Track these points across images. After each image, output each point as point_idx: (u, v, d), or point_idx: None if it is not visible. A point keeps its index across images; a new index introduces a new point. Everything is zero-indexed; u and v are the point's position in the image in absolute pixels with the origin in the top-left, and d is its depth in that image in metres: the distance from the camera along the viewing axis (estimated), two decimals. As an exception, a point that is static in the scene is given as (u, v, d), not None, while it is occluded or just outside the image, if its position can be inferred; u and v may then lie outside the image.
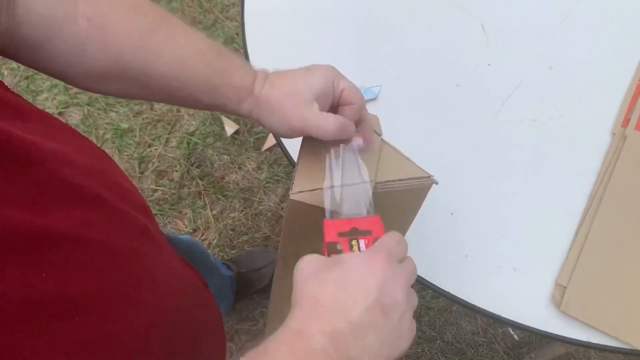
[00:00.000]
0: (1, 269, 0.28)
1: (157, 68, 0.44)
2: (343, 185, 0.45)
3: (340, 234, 0.42)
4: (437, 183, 0.48)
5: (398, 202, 0.50)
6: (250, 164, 1.49)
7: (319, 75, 0.48)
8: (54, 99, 1.58)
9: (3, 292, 0.27)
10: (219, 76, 0.46)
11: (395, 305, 0.37)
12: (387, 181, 0.47)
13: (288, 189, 1.52)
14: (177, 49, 0.45)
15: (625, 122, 0.74)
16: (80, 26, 0.41)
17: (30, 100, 1.60)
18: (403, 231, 0.56)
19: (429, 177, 0.48)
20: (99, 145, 1.51)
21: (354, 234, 0.42)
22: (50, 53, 0.42)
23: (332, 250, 0.41)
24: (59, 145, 0.37)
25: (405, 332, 0.38)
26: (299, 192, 0.46)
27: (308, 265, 0.38)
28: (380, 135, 0.52)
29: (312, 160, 0.49)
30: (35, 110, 0.39)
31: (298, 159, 0.50)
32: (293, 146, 0.72)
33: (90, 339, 0.33)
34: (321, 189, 0.45)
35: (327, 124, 0.45)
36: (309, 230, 0.49)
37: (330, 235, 0.42)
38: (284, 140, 0.73)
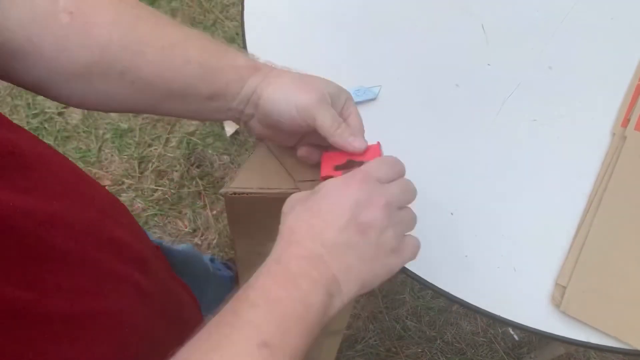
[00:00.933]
0: None
1: (146, 58, 0.40)
2: None
3: (337, 167, 0.41)
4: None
5: None
6: (250, 164, 1.49)
7: (334, 83, 0.46)
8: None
9: None
10: (216, 58, 0.43)
11: (373, 222, 0.36)
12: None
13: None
14: (167, 35, 0.42)
15: (625, 122, 0.74)
16: (62, 21, 0.39)
17: (29, 100, 1.60)
18: None
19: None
20: (98, 146, 1.51)
21: (350, 166, 0.40)
22: (30, 58, 0.39)
23: None
24: (57, 203, 0.35)
25: (388, 249, 0.37)
26: (235, 188, 0.45)
27: (289, 203, 0.38)
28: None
29: (262, 162, 0.48)
30: (41, 153, 0.37)
31: (248, 158, 0.49)
32: (293, 146, 0.72)
33: None
34: (255, 192, 0.44)
35: (333, 122, 0.42)
36: (259, 220, 0.48)
37: (326, 169, 0.41)
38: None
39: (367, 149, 0.42)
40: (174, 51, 0.41)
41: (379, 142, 0.43)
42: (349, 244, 0.36)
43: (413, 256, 0.39)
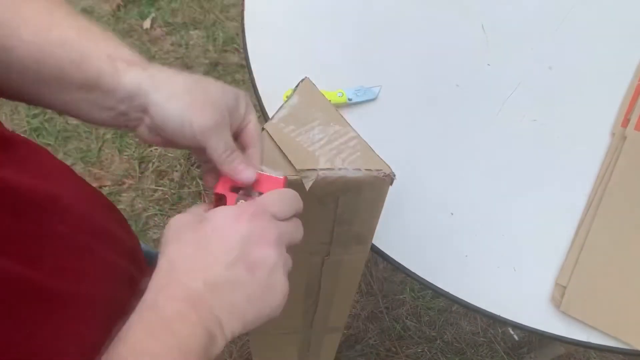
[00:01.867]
0: None
1: (22, 37, 0.36)
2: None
3: (234, 189, 0.38)
4: (394, 177, 0.45)
5: (356, 192, 0.48)
6: (250, 164, 1.49)
7: (231, 90, 0.40)
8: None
9: None
10: (93, 43, 0.37)
11: (263, 260, 0.34)
12: (356, 169, 0.45)
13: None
14: (46, 18, 0.37)
15: (625, 122, 0.74)
16: None
17: (30, 100, 1.60)
18: (369, 229, 0.55)
19: (388, 167, 0.45)
20: (98, 146, 1.51)
21: (248, 191, 0.38)
22: None
23: (218, 203, 0.38)
24: (54, 189, 0.35)
25: (277, 288, 0.35)
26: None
27: (172, 227, 0.35)
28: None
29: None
30: (33, 148, 0.37)
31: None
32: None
33: None
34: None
35: (226, 148, 0.38)
36: None
37: (222, 187, 0.38)
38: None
39: (268, 179, 0.39)
40: (52, 32, 0.37)
41: (285, 177, 0.40)
42: (235, 282, 0.33)
43: (284, 298, 0.36)
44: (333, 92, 0.74)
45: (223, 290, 0.33)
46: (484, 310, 0.63)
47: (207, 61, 1.64)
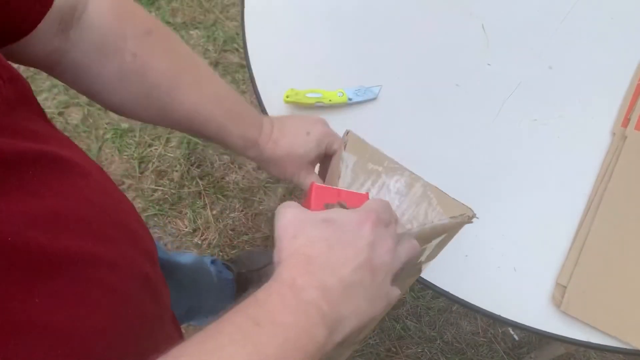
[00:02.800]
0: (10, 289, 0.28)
1: (182, 105, 0.50)
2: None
3: (327, 206, 0.41)
4: (477, 218, 0.50)
5: (439, 233, 0.52)
6: (250, 164, 1.49)
7: (314, 144, 0.55)
8: (54, 98, 1.58)
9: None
10: (232, 123, 0.53)
11: (382, 265, 0.37)
12: (452, 217, 0.50)
13: (288, 188, 1.52)
14: (202, 92, 0.51)
15: (625, 122, 0.74)
16: (126, 60, 0.47)
17: (30, 100, 1.60)
18: (431, 258, 0.57)
19: (470, 208, 0.50)
20: (98, 146, 1.51)
21: (341, 207, 0.41)
22: (93, 78, 0.47)
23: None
24: (79, 181, 0.37)
25: (385, 292, 0.38)
26: None
27: (293, 221, 0.38)
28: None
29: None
30: (66, 142, 0.40)
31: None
32: (293, 146, 0.72)
33: None
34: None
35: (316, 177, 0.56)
36: None
37: (317, 204, 0.41)
38: (284, 140, 0.73)
39: (354, 195, 0.43)
40: (204, 107, 0.52)
41: (367, 193, 0.45)
42: (361, 283, 0.36)
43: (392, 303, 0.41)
44: (333, 92, 0.74)
45: (351, 290, 0.35)
46: (484, 310, 0.63)
47: (207, 61, 1.65)
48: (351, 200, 0.42)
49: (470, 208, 0.50)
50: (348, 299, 0.35)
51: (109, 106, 0.51)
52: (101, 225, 0.38)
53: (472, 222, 0.50)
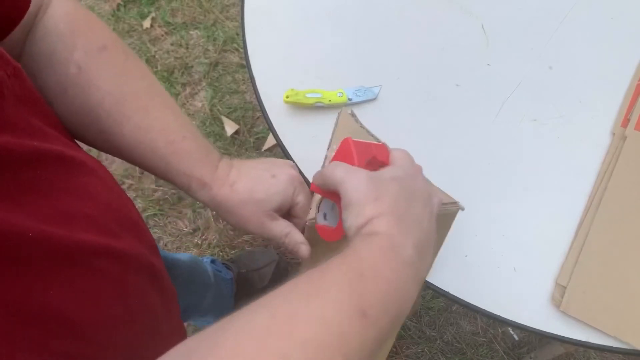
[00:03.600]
0: (5, 277, 0.29)
1: (122, 131, 0.47)
2: None
3: (368, 160, 0.43)
4: (463, 209, 0.48)
5: None
6: (250, 164, 1.49)
7: (280, 188, 0.50)
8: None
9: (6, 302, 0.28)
10: (177, 159, 0.48)
11: (434, 211, 0.42)
12: None
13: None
14: (145, 120, 0.47)
15: (625, 122, 0.74)
16: (70, 71, 0.45)
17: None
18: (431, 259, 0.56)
19: (456, 202, 0.48)
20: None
21: (374, 163, 0.43)
22: (42, 84, 0.45)
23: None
24: (85, 179, 0.38)
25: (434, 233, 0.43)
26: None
27: (370, 185, 0.39)
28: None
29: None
30: (70, 140, 0.42)
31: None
32: (293, 146, 0.72)
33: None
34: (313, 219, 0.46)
35: (281, 235, 0.49)
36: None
37: (359, 160, 0.43)
38: (285, 141, 0.73)
39: (382, 148, 0.46)
40: (147, 136, 0.47)
41: (384, 143, 0.46)
42: (433, 231, 0.40)
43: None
44: (333, 92, 0.74)
45: (429, 239, 0.40)
46: (484, 310, 0.63)
47: (207, 61, 1.64)
48: (379, 152, 0.44)
49: (457, 201, 0.48)
50: (428, 249, 0.39)
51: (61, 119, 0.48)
52: (107, 221, 0.39)
53: (463, 210, 0.49)
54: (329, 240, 0.45)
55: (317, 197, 0.48)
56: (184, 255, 1.00)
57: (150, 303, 0.44)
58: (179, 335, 0.51)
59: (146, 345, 0.41)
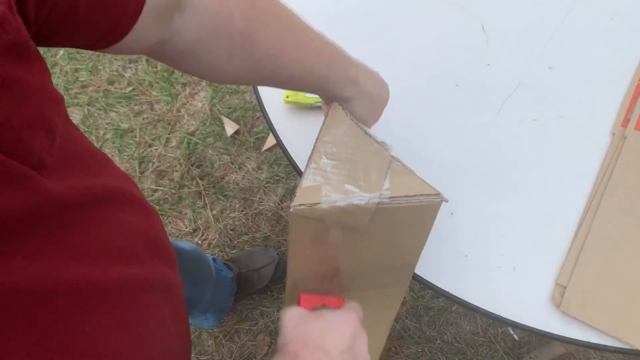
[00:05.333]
0: (49, 321, 0.30)
1: (285, 70, 0.52)
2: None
3: (313, 308, 0.50)
4: (446, 201, 0.48)
5: (406, 220, 0.50)
6: (250, 164, 1.50)
7: (387, 92, 0.62)
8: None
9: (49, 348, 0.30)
10: (333, 73, 0.54)
11: (359, 354, 0.46)
12: (393, 197, 0.47)
13: (288, 188, 1.51)
14: (303, 54, 0.52)
15: (625, 122, 0.74)
16: (234, 39, 0.46)
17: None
18: (415, 254, 0.56)
19: (438, 194, 0.47)
20: (99, 145, 1.51)
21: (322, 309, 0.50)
22: (198, 60, 0.47)
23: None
24: (115, 207, 0.39)
25: None
26: (300, 205, 0.46)
27: (295, 316, 0.48)
28: (389, 150, 0.52)
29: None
30: (101, 156, 0.42)
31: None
32: (293, 146, 0.72)
33: None
34: (319, 203, 0.46)
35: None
36: (316, 244, 0.49)
37: (305, 306, 0.51)
38: (285, 141, 0.73)
39: (334, 299, 0.52)
40: (310, 66, 0.53)
41: (342, 298, 0.53)
42: None
43: None
44: (333, 92, 0.74)
45: None
46: (484, 310, 0.63)
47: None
48: (331, 302, 0.51)
49: (439, 192, 0.48)
50: None
51: (210, 79, 0.52)
52: (136, 248, 0.41)
53: (447, 201, 0.48)
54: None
55: None
56: (186, 244, 1.00)
57: (167, 322, 0.45)
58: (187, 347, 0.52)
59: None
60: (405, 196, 0.47)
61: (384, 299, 0.60)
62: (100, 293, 0.34)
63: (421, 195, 0.47)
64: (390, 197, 0.47)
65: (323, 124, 0.53)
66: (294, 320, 0.48)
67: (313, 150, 0.50)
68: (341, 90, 0.55)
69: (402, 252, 0.55)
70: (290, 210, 0.45)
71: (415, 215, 0.50)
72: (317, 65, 0.54)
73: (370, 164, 0.49)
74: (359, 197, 0.46)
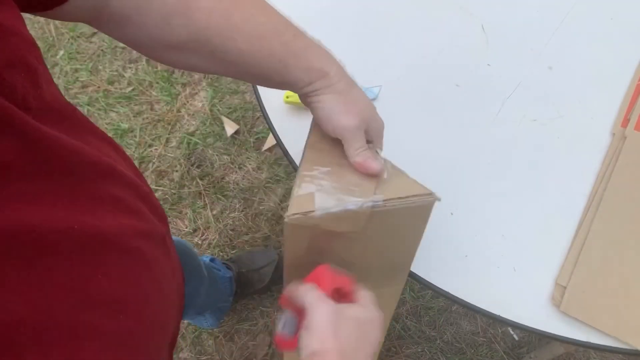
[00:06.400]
0: (63, 269, 0.31)
1: (235, 44, 0.46)
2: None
3: (333, 290, 0.46)
4: (439, 199, 0.48)
5: (400, 221, 0.50)
6: (250, 164, 1.50)
7: (373, 108, 0.52)
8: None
9: (62, 288, 0.31)
10: (294, 57, 0.48)
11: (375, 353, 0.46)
12: (387, 200, 0.47)
13: (288, 189, 1.52)
14: (256, 27, 0.47)
15: (625, 122, 0.74)
16: (167, 1, 0.43)
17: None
18: (410, 253, 0.56)
19: (430, 193, 0.47)
20: (99, 145, 1.52)
21: (339, 293, 0.47)
22: (135, 26, 0.44)
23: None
24: (107, 158, 0.40)
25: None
26: (294, 214, 0.46)
27: (328, 317, 0.44)
28: (380, 151, 0.52)
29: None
30: (86, 121, 0.43)
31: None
32: (293, 147, 0.72)
33: (126, 337, 0.37)
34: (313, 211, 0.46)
35: (363, 144, 0.49)
36: (312, 251, 0.49)
37: (328, 288, 0.46)
38: (285, 141, 0.73)
39: (348, 281, 0.48)
40: (261, 42, 0.47)
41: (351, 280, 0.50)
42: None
43: None
44: (333, 92, 0.74)
45: None
46: (484, 310, 0.63)
47: (207, 61, 1.65)
48: (345, 283, 0.47)
49: (432, 192, 0.48)
50: None
51: (154, 55, 0.48)
52: (133, 200, 0.42)
53: (439, 200, 0.48)
54: (283, 349, 0.49)
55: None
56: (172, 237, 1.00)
57: (167, 275, 0.46)
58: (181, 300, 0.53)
59: (172, 317, 0.44)
60: (399, 198, 0.47)
61: (380, 299, 0.60)
62: (100, 239, 0.35)
63: (414, 195, 0.47)
64: (383, 200, 0.46)
65: (310, 129, 0.53)
66: (334, 324, 0.44)
67: (303, 157, 0.50)
68: (305, 81, 0.48)
69: (397, 253, 0.55)
70: (285, 220, 0.46)
71: (409, 216, 0.50)
72: (274, 47, 0.47)
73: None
74: (353, 202, 0.46)
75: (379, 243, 0.51)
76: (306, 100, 0.51)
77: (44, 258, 0.30)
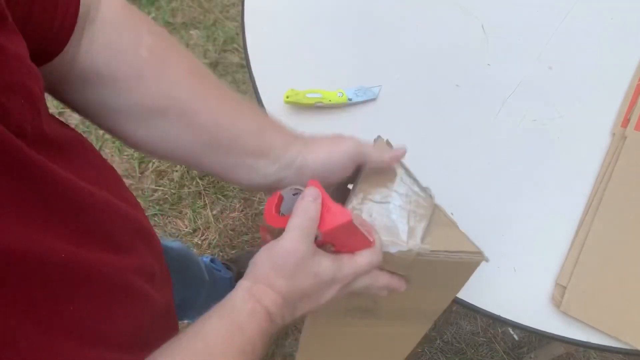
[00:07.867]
0: (41, 294, 0.30)
1: (207, 104, 0.45)
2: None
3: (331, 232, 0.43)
4: (487, 260, 0.47)
5: (443, 273, 0.50)
6: (250, 164, 1.49)
7: (360, 147, 0.49)
8: (54, 99, 1.57)
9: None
10: (267, 122, 0.48)
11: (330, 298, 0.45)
12: (434, 251, 0.46)
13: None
14: (228, 92, 0.47)
15: (625, 122, 0.74)
16: (141, 55, 0.43)
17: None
18: (446, 302, 0.56)
19: (479, 253, 0.46)
20: (98, 146, 1.51)
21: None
22: (102, 83, 0.42)
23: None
24: (105, 193, 0.39)
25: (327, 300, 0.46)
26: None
27: (299, 260, 0.42)
28: (432, 197, 0.50)
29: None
30: (89, 153, 0.42)
31: None
32: (293, 146, 0.72)
33: None
34: None
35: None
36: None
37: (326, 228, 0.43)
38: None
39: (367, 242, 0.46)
40: (232, 104, 0.46)
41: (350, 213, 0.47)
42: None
43: None
44: (333, 92, 0.74)
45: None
46: (484, 310, 0.63)
47: (207, 61, 1.64)
48: (361, 242, 0.44)
49: (481, 251, 0.47)
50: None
51: (114, 130, 0.45)
52: (124, 236, 0.41)
53: (488, 261, 0.47)
54: (267, 222, 0.45)
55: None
56: (174, 243, 1.00)
57: (154, 308, 0.45)
58: (174, 330, 0.52)
59: (149, 343, 0.42)
60: (446, 251, 0.46)
61: (401, 336, 0.60)
62: (85, 272, 0.34)
63: (463, 252, 0.46)
64: (431, 251, 0.46)
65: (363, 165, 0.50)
66: (296, 266, 0.42)
67: (356, 189, 0.48)
68: (283, 147, 0.46)
69: (431, 301, 0.55)
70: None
71: (452, 270, 0.49)
72: (247, 111, 0.47)
73: (413, 211, 0.48)
74: (400, 245, 0.45)
75: (416, 286, 0.51)
76: (285, 172, 0.47)
77: (28, 285, 0.29)
